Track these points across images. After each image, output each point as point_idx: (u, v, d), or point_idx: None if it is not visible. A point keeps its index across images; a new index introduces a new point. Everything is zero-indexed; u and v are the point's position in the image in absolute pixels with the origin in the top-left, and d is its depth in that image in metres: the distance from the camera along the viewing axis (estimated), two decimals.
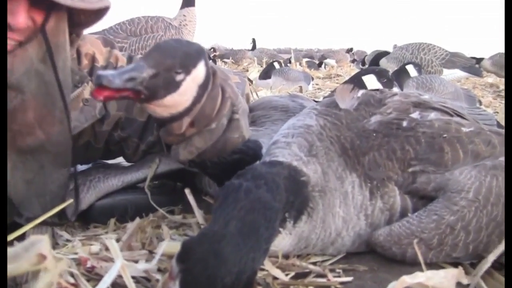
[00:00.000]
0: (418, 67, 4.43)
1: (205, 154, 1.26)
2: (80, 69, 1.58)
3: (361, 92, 1.43)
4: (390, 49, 8.43)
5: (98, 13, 1.45)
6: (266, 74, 6.57)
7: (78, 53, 1.60)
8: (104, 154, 1.73)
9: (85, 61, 1.61)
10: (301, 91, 5.59)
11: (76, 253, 1.27)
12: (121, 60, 1.68)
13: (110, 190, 1.62)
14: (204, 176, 1.64)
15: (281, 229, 1.16)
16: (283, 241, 1.19)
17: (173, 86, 1.14)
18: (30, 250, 0.77)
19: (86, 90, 1.54)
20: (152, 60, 1.12)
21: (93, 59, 1.63)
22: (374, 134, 1.29)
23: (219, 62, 10.94)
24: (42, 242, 0.78)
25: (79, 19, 1.47)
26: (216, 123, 1.24)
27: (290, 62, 10.28)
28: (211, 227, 0.97)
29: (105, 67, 1.64)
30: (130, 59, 1.71)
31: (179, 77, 1.14)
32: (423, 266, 1.16)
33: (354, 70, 9.40)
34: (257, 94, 4.42)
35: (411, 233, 1.20)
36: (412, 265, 1.19)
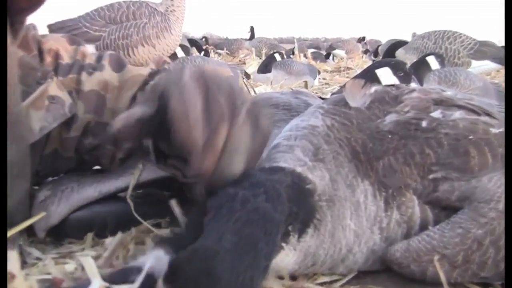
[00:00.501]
0: (441, 58, 4.43)
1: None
2: (42, 65, 1.58)
3: (374, 88, 1.44)
4: (408, 38, 8.44)
5: None
6: (265, 67, 6.57)
7: (40, 50, 1.62)
8: (78, 165, 1.73)
9: (48, 58, 1.62)
10: (306, 86, 5.59)
11: (48, 273, 1.27)
12: (88, 58, 1.69)
13: (85, 201, 1.60)
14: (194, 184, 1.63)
15: (284, 244, 1.16)
16: (286, 258, 1.19)
17: None
18: None
19: (51, 86, 1.54)
20: None
21: (57, 56, 1.64)
22: (390, 136, 1.30)
23: (212, 54, 10.95)
24: (10, 259, 0.79)
25: (20, 4, 1.45)
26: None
27: (293, 54, 10.28)
28: (203, 242, 0.97)
29: (71, 65, 1.65)
30: (99, 58, 1.71)
31: None
32: (446, 287, 1.17)
33: (366, 62, 9.40)
34: (254, 91, 4.42)
35: (432, 249, 1.20)
36: (433, 285, 1.20)
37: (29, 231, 1.55)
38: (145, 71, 1.71)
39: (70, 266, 1.32)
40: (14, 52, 1.40)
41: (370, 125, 1.33)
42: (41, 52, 1.61)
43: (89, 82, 1.64)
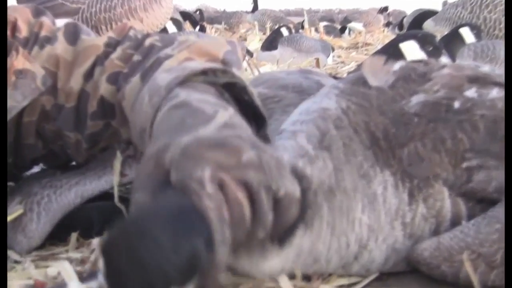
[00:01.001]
0: (477, 30, 4.40)
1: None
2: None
3: (398, 64, 1.45)
4: (438, 8, 8.41)
5: None
6: (271, 43, 6.55)
7: None
8: (48, 157, 1.73)
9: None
10: (317, 65, 5.55)
11: (29, 278, 1.29)
12: (45, 29, 1.64)
13: (67, 210, 1.59)
14: None
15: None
16: (267, 263, 1.20)
17: None
18: None
19: (18, 60, 1.53)
20: None
21: (14, 28, 1.63)
22: (416, 119, 1.31)
23: (208, 30, 10.93)
24: None
25: None
26: (263, 230, 1.13)
27: (302, 28, 10.27)
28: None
29: (27, 39, 1.65)
30: (57, 30, 1.69)
31: None
32: None
33: (388, 37, 9.33)
34: (258, 70, 4.40)
35: (466, 247, 1.21)
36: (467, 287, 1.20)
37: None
38: (101, 40, 1.65)
39: (52, 269, 1.33)
40: None
41: (394, 107, 1.33)
42: None
43: (39, 58, 1.60)
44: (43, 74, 1.55)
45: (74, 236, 1.58)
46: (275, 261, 1.20)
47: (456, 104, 1.33)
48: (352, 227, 1.24)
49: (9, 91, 1.49)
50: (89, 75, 1.58)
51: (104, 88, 1.53)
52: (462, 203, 1.28)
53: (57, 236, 1.60)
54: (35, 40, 1.63)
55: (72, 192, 1.61)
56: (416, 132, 1.29)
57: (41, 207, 1.56)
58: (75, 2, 4.80)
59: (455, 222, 1.27)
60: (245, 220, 1.08)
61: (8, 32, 1.61)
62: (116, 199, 1.58)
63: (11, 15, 1.63)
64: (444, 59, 2.91)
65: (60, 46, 1.61)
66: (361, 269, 1.29)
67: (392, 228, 1.26)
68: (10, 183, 1.70)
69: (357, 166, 1.27)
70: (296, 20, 12.74)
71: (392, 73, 1.41)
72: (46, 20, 1.67)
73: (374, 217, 1.25)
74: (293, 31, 7.76)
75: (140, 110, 1.32)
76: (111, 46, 1.61)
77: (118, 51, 1.58)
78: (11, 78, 1.50)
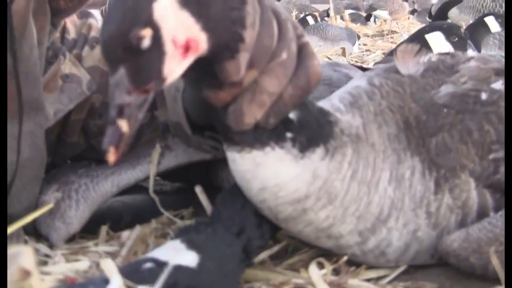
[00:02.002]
0: (501, 19, 4.38)
1: (283, 102, 1.12)
2: (53, 42, 1.62)
3: (428, 55, 1.43)
4: None
5: None
6: None
7: None
8: (86, 152, 1.76)
9: (56, 34, 1.65)
10: (344, 53, 5.55)
11: (60, 273, 1.30)
12: (94, 30, 1.72)
13: (104, 199, 1.59)
14: (222, 168, 1.63)
15: (275, 146, 1.15)
16: (282, 165, 1.16)
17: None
18: (11, 263, 0.80)
19: (66, 64, 1.58)
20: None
21: (63, 30, 1.70)
22: (445, 110, 1.30)
23: None
24: (24, 254, 0.82)
25: (58, 5, 1.50)
26: (287, 52, 1.10)
27: (328, 16, 10.24)
28: None
29: (76, 40, 1.70)
30: None
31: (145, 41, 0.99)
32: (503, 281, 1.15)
33: (414, 24, 9.29)
34: None
35: (495, 238, 1.20)
36: (496, 281, 1.18)
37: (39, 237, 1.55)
38: None
39: (83, 263, 1.33)
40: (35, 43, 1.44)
41: (424, 96, 1.32)
42: None
43: (91, 57, 1.67)
44: (89, 79, 1.62)
45: (104, 229, 1.59)
46: (291, 168, 1.16)
47: (483, 96, 1.32)
48: (376, 185, 1.22)
49: (56, 95, 1.53)
50: None
51: None
52: (489, 195, 1.27)
53: (86, 229, 1.59)
54: (84, 41, 1.70)
55: (109, 181, 1.60)
56: (445, 123, 1.28)
57: (79, 195, 1.56)
58: None
59: (482, 213, 1.26)
60: (273, 36, 1.08)
61: (58, 34, 1.67)
62: (151, 190, 1.59)
63: None
64: (470, 50, 2.89)
65: None
66: (376, 248, 1.27)
67: (416, 216, 1.25)
68: None
69: (391, 139, 1.26)
70: (322, 7, 12.68)
71: (422, 64, 1.40)
72: (93, 21, 1.75)
73: (399, 195, 1.24)
74: (319, 19, 7.76)
75: None
76: None
77: None
78: (58, 82, 1.54)
